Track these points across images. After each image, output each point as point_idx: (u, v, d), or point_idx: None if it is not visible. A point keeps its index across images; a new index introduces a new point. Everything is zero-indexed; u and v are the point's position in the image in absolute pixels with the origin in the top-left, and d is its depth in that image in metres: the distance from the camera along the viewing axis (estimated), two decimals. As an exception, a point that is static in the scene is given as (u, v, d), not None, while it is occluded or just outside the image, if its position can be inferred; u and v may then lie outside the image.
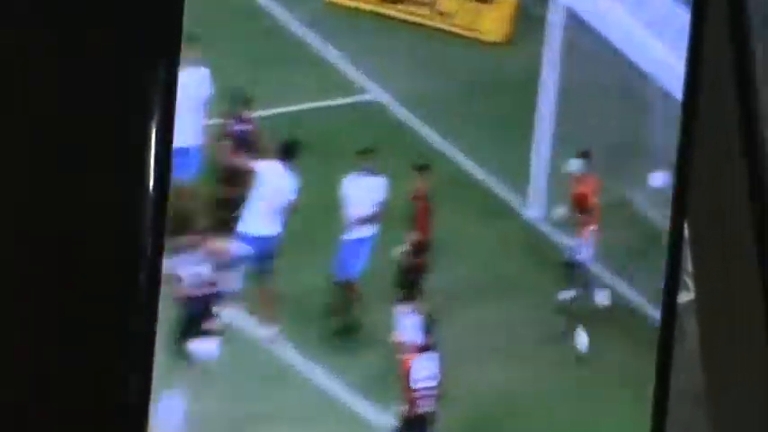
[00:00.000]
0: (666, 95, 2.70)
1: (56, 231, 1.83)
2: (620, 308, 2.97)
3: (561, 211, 3.18)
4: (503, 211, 3.12)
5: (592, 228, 3.01)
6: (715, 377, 2.55)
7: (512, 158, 3.07)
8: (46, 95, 1.83)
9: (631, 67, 3.04)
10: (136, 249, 1.82)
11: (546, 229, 3.10)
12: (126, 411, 1.82)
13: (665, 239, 2.42)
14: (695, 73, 2.37)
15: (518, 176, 3.09)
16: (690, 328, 2.60)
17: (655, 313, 2.41)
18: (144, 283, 1.82)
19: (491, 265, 2.99)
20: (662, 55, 2.84)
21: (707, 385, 2.58)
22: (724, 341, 2.55)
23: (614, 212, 3.03)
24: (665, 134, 2.62)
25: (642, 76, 2.98)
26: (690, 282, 2.62)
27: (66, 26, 1.82)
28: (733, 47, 2.54)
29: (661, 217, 2.60)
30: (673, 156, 2.44)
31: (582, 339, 2.91)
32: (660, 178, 2.74)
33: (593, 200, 3.12)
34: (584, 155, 3.12)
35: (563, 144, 3.12)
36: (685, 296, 2.60)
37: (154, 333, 1.83)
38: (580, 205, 3.12)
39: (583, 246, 3.12)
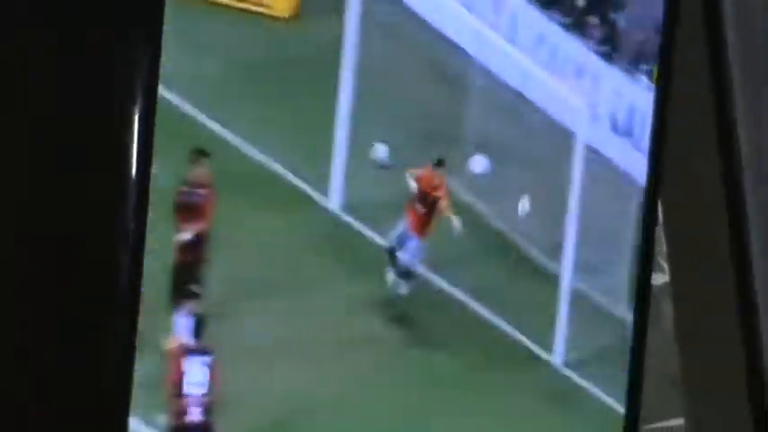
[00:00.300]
0: (486, 73, 2.69)
1: (44, 229, 1.95)
2: (441, 301, 2.78)
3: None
4: (299, 202, 2.85)
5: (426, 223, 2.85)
6: (689, 356, 2.74)
7: (308, 145, 2.82)
8: (38, 100, 1.95)
9: (444, 42, 2.86)
10: (119, 247, 1.96)
11: (348, 219, 2.85)
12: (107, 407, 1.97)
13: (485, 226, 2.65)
14: (668, 62, 2.58)
15: (316, 164, 2.83)
16: (666, 310, 2.78)
17: (477, 306, 2.61)
18: (127, 278, 1.96)
19: (283, 259, 2.71)
20: (478, 29, 2.74)
21: (681, 365, 2.77)
22: (697, 322, 2.74)
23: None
24: (484, 115, 2.69)
25: (456, 51, 2.83)
26: (665, 264, 2.80)
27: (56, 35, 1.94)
28: (707, 39, 2.73)
29: (484, 203, 2.77)
30: (493, 138, 2.67)
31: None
32: (480, 163, 2.76)
33: (436, 194, 2.92)
34: (440, 163, 2.87)
35: (366, 129, 2.85)
36: (661, 278, 2.76)
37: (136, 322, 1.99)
38: (423, 199, 2.91)
39: (412, 238, 2.92)
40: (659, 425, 3.06)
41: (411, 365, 2.72)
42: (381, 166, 2.81)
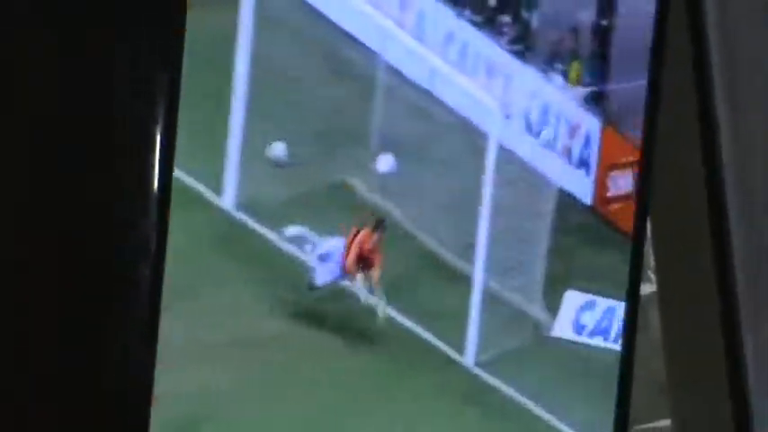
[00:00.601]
0: (392, 71, 2.66)
1: (64, 230, 2.02)
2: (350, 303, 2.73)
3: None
4: (193, 201, 2.66)
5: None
6: (676, 366, 2.89)
7: (201, 144, 2.63)
8: (50, 97, 1.99)
9: (348, 39, 2.78)
10: (140, 248, 2.05)
11: (243, 218, 2.73)
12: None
13: (394, 227, 2.67)
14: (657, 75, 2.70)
15: (210, 163, 2.67)
16: (653, 319, 2.94)
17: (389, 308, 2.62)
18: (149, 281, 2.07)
19: (179, 259, 2.45)
20: (383, 26, 2.68)
21: (668, 373, 2.92)
22: (684, 331, 2.88)
23: (335, 199, 2.79)
24: (391, 114, 2.66)
25: (360, 48, 2.77)
26: (653, 275, 2.99)
27: (69, 29, 1.98)
28: (693, 50, 2.85)
29: (391, 203, 2.75)
30: (401, 137, 2.67)
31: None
32: (386, 162, 2.74)
33: (372, 257, 2.88)
34: (378, 225, 2.83)
35: (262, 125, 2.73)
36: (648, 288, 2.91)
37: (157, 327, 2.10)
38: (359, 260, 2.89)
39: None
40: (648, 426, 3.44)
41: (319, 367, 2.67)
42: (278, 165, 2.73)
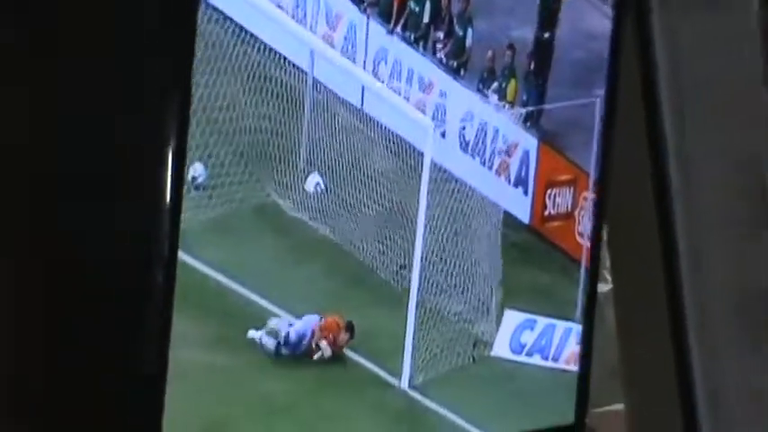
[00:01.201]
0: (322, 88, 2.68)
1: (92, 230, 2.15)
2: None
3: None
4: None
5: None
6: (628, 355, 3.15)
7: None
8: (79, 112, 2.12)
9: (276, 56, 2.80)
10: (156, 246, 2.15)
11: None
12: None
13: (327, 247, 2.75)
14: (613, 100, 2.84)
15: None
16: (608, 314, 3.16)
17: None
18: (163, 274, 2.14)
19: None
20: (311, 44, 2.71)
21: (621, 361, 3.17)
22: (636, 325, 3.16)
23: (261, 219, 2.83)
24: (321, 132, 2.73)
25: (289, 66, 2.79)
26: (608, 276, 3.18)
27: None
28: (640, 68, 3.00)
29: (321, 224, 2.82)
30: (331, 156, 2.72)
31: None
32: (314, 183, 2.82)
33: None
34: (349, 327, 2.87)
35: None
36: (605, 287, 3.11)
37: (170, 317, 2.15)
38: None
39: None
40: (604, 409, 3.45)
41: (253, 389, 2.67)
42: (196, 187, 2.70)
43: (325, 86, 2.81)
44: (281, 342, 2.84)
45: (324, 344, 2.86)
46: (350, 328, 2.90)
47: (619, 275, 3.19)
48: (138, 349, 2.17)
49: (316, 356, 2.85)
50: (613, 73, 2.88)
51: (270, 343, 2.83)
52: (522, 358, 3.04)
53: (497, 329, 2.98)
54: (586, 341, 2.97)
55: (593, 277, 2.99)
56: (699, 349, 3.14)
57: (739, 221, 3.24)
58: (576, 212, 3.07)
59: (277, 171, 2.80)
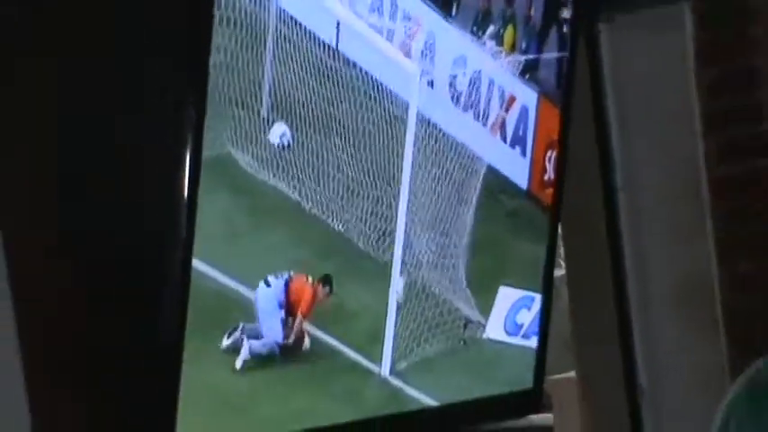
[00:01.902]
0: (289, 21, 2.52)
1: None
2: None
3: None
4: None
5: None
6: (580, 329, 3.68)
7: None
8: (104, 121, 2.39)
9: None
10: (174, 239, 2.35)
11: None
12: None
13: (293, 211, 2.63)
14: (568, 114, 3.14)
15: None
16: (563, 294, 3.84)
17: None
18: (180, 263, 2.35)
19: None
20: None
21: (574, 335, 3.72)
22: (586, 303, 3.68)
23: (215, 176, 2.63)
24: (288, 74, 2.54)
25: None
26: (563, 262, 3.95)
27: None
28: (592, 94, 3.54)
29: (286, 184, 2.76)
30: (301, 103, 2.63)
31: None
32: (280, 133, 2.73)
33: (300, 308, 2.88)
34: (326, 280, 2.73)
35: None
36: (559, 272, 3.71)
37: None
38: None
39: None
40: (558, 376, 4.20)
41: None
42: None
43: (292, 17, 2.49)
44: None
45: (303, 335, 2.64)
46: (327, 281, 2.67)
47: (571, 262, 3.75)
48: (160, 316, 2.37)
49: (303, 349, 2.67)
50: (570, 86, 3.09)
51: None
52: (518, 340, 3.01)
53: (491, 308, 2.86)
54: (545, 316, 3.18)
55: (551, 257, 3.22)
56: (640, 327, 3.62)
57: (675, 216, 3.64)
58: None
59: (234, 118, 2.47)
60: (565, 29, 3.18)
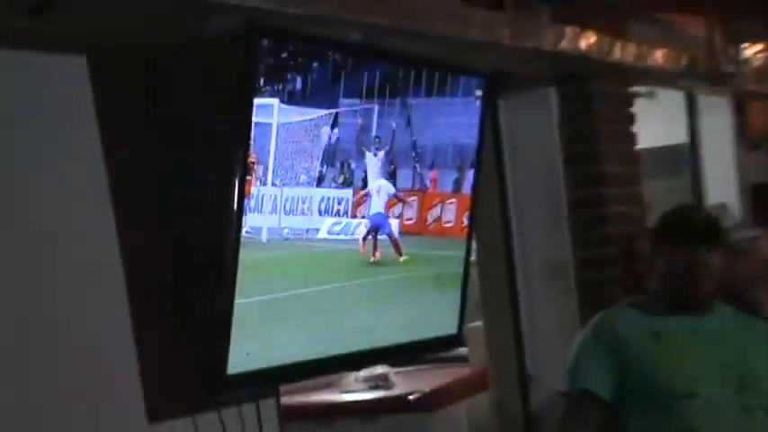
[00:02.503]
0: None
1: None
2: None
3: None
4: None
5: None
6: (484, 293, 4.60)
7: None
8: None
9: None
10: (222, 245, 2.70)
11: None
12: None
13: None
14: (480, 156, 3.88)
15: None
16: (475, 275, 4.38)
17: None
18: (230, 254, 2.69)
19: None
20: None
21: (481, 296, 4.58)
22: (489, 277, 4.60)
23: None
24: None
25: None
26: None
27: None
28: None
29: None
30: None
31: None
32: None
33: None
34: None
35: None
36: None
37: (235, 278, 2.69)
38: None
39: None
40: (472, 324, 4.62)
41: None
42: None
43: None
44: None
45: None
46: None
47: (481, 250, 4.48)
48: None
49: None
50: (480, 148, 3.78)
51: None
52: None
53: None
54: (464, 286, 3.79)
55: (468, 250, 3.89)
56: (523, 293, 4.54)
57: (546, 223, 4.52)
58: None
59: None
60: (478, 104, 3.68)
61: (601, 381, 3.25)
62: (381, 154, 3.29)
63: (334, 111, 3.01)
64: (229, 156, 2.76)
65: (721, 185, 5.69)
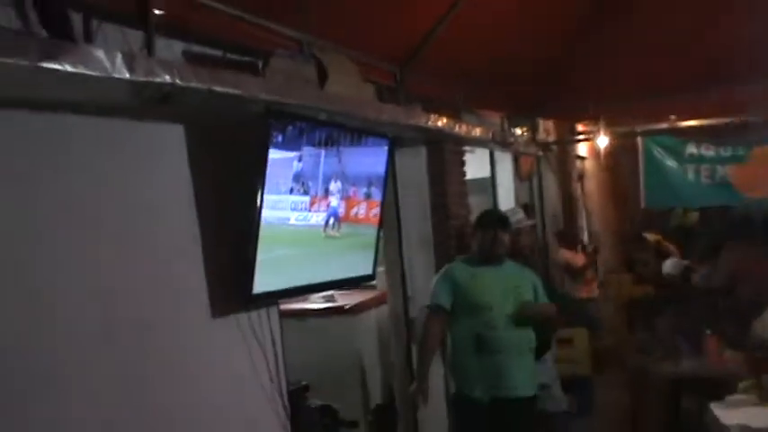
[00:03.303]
0: None
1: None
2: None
3: None
4: None
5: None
6: (387, 252, 4.32)
7: None
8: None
9: None
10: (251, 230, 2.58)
11: None
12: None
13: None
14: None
15: None
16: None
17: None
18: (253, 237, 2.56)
19: None
20: None
21: (385, 258, 4.25)
22: (389, 244, 4.34)
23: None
24: None
25: None
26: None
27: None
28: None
29: None
30: None
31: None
32: None
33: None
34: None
35: None
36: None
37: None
38: None
39: None
40: (380, 269, 4.13)
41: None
42: None
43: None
44: None
45: None
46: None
47: (385, 230, 3.95)
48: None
49: None
50: (386, 182, 3.57)
51: None
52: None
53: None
54: (376, 251, 3.54)
55: (379, 230, 3.57)
56: (406, 253, 4.47)
57: (421, 223, 4.51)
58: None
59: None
60: (385, 152, 3.46)
61: (446, 299, 3.50)
62: (339, 180, 3.21)
63: (299, 153, 2.85)
64: (256, 178, 2.68)
65: (506, 199, 5.74)
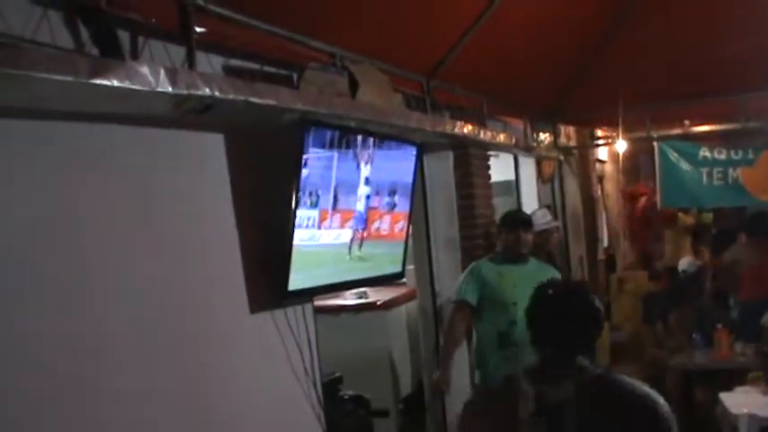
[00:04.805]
0: None
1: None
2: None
3: None
4: None
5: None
6: (415, 251, 4.21)
7: None
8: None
9: None
10: (286, 230, 2.50)
11: None
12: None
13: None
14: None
15: None
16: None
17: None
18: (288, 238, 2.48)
19: None
20: None
21: (414, 258, 4.26)
22: (417, 242, 4.29)
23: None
24: None
25: None
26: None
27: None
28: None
29: None
30: None
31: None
32: None
33: None
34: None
35: None
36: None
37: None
38: None
39: None
40: (409, 267, 4.00)
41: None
42: None
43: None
44: None
45: None
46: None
47: (414, 231, 3.99)
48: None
49: None
50: (414, 188, 3.44)
51: None
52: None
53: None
54: (405, 252, 3.43)
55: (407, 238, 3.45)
56: (434, 252, 4.30)
57: (447, 227, 4.30)
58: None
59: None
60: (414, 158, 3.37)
61: (472, 296, 3.43)
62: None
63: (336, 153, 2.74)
64: (290, 182, 2.61)
65: (529, 201, 5.61)
